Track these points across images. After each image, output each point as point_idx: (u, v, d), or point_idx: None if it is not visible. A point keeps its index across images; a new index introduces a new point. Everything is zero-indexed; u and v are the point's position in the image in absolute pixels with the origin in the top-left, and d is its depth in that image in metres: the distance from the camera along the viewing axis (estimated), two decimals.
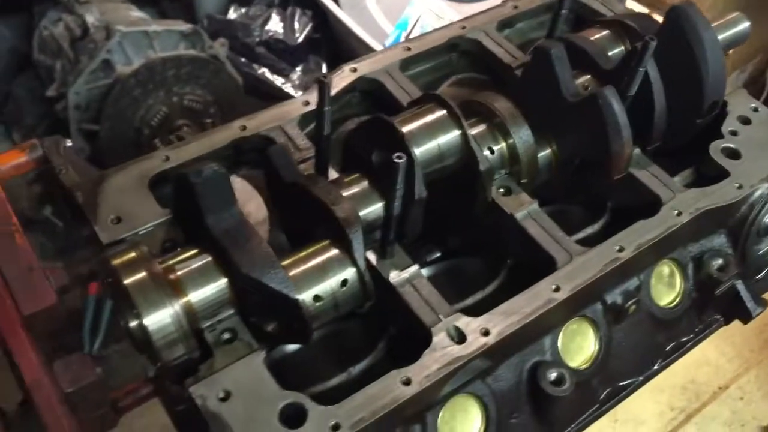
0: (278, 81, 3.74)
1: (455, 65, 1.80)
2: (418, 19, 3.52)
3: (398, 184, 1.19)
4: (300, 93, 2.56)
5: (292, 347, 1.38)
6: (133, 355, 1.65)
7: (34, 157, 1.45)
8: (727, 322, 1.61)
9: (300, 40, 3.83)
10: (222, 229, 1.19)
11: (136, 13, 3.33)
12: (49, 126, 3.22)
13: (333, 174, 1.44)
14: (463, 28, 1.75)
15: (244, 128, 1.49)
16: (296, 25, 3.88)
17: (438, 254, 1.60)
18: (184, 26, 3.15)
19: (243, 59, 3.73)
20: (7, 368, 1.54)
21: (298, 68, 3.87)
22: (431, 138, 1.36)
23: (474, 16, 1.81)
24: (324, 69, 3.78)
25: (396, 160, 1.15)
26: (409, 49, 1.70)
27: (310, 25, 3.87)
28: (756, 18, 3.56)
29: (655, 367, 1.53)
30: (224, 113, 3.23)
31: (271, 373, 1.19)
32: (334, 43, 3.86)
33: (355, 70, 1.63)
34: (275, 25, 3.83)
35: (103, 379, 1.45)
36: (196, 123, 3.16)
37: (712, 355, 3.66)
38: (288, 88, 3.64)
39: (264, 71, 3.78)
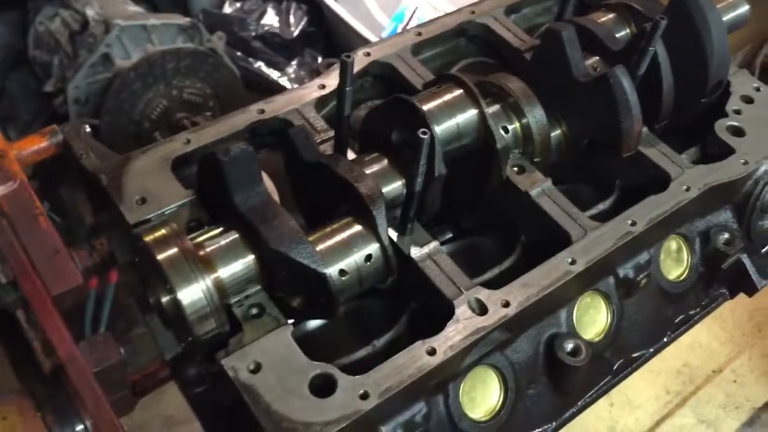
0: (274, 75, 3.76)
1: (463, 50, 1.83)
2: (414, 11, 3.55)
3: (422, 159, 1.22)
4: (296, 87, 2.58)
5: (315, 324, 1.40)
6: (144, 344, 1.67)
7: (54, 142, 1.47)
8: (733, 295, 1.66)
9: (296, 33, 3.85)
10: (249, 206, 1.21)
11: (133, 8, 3.33)
12: (45, 122, 3.21)
13: (351, 155, 1.47)
14: (473, 13, 1.79)
15: (262, 111, 1.51)
16: (292, 19, 3.89)
17: (450, 235, 1.63)
18: (183, 20, 3.16)
19: (239, 53, 3.74)
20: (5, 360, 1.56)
21: (294, 62, 3.89)
22: (450, 116, 1.39)
23: (482, 2, 1.85)
24: (320, 62, 3.80)
25: (421, 135, 1.18)
26: (420, 34, 1.73)
27: (305, 19, 3.88)
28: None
29: (665, 339, 1.57)
30: (223, 106, 3.24)
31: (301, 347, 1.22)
32: (330, 36, 3.88)
33: (368, 54, 1.66)
34: (271, 19, 3.85)
35: (126, 360, 1.47)
36: (195, 116, 3.17)
37: (705, 339, 3.72)
38: (284, 81, 3.66)
39: (260, 65, 3.79)
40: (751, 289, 1.59)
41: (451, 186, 1.51)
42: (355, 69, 1.64)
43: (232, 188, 1.21)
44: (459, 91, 1.41)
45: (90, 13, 2.98)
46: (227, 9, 3.83)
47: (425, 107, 1.36)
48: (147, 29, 3.06)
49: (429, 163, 1.30)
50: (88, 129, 1.50)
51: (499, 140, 1.39)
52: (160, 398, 2.41)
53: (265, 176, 1.44)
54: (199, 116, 3.03)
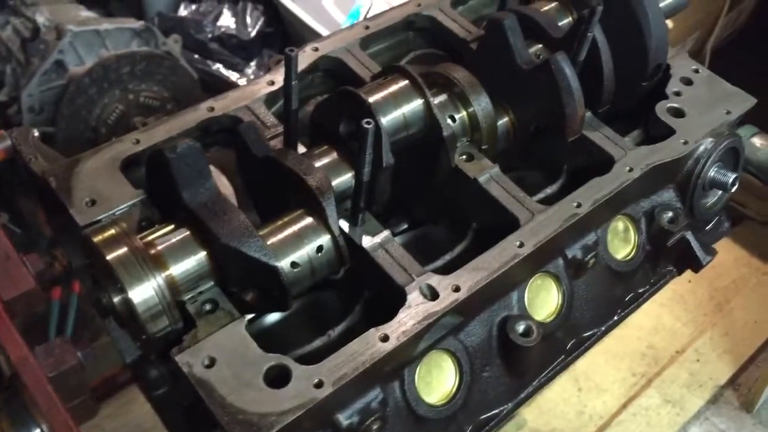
0: (233, 76, 3.75)
1: (412, 42, 1.86)
2: (369, 9, 3.57)
3: (368, 149, 1.24)
4: (245, 83, 2.58)
5: (272, 319, 1.42)
6: (105, 350, 1.67)
7: (2, 148, 1.46)
8: (680, 272, 1.71)
9: (253, 34, 3.84)
10: (199, 203, 1.22)
11: (86, 13, 3.31)
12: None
13: (301, 149, 1.49)
14: (419, 5, 1.81)
15: (211, 109, 1.52)
16: (248, 20, 3.89)
17: (405, 226, 1.66)
18: (136, 23, 3.14)
19: (196, 56, 3.72)
20: None
21: (253, 63, 3.88)
22: (396, 107, 1.41)
23: None
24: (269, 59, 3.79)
25: (365, 125, 1.20)
26: (367, 27, 1.75)
27: (262, 19, 3.88)
28: None
29: (615, 318, 1.61)
30: (182, 109, 3.22)
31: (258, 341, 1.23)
32: (287, 36, 3.88)
33: (317, 49, 1.68)
34: (227, 20, 3.83)
35: (84, 364, 1.47)
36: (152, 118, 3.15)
37: (668, 320, 3.80)
38: (243, 82, 3.64)
39: (218, 67, 3.77)
40: (696, 265, 1.65)
41: (402, 176, 1.54)
42: (304, 64, 1.67)
43: (181, 185, 1.22)
44: (405, 82, 1.43)
45: (40, 19, 2.94)
46: (182, 12, 3.81)
47: (371, 99, 1.38)
48: (100, 34, 3.04)
49: (376, 154, 1.32)
50: (36, 134, 1.50)
51: (445, 129, 1.42)
52: (128, 406, 2.39)
53: (219, 173, 1.45)
54: (153, 117, 3.01)
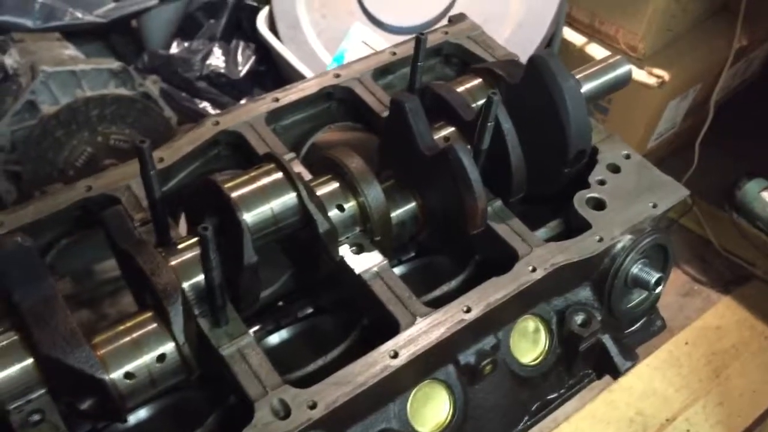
0: None
1: (334, 113, 1.76)
2: (351, 53, 3.51)
3: (210, 254, 1.15)
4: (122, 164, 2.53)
5: (134, 421, 1.33)
6: None
7: None
8: (599, 376, 1.56)
9: (243, 73, 3.82)
10: (27, 306, 1.14)
11: (69, 51, 3.30)
12: None
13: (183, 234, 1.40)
14: (338, 76, 1.72)
15: (89, 188, 1.45)
16: (239, 59, 3.87)
17: (310, 310, 1.56)
18: (114, 64, 3.12)
19: (183, 94, 3.71)
20: None
21: (243, 101, 3.84)
22: (264, 201, 1.31)
23: (351, 64, 1.78)
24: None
25: (201, 232, 1.11)
26: (277, 99, 1.66)
27: (253, 58, 3.86)
28: (693, 45, 3.55)
29: (520, 427, 1.47)
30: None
31: None
32: (279, 75, 3.84)
33: (217, 123, 1.60)
34: (216, 59, 3.83)
35: None
36: (124, 162, 3.12)
37: (660, 385, 3.61)
38: None
39: (205, 105, 3.75)
40: (614, 372, 1.50)
41: (294, 263, 1.44)
42: (205, 138, 1.59)
43: (10, 285, 1.14)
44: (277, 175, 1.33)
45: (8, 61, 2.94)
46: (174, 49, 3.81)
47: (236, 193, 1.28)
48: (76, 75, 3.02)
49: (236, 252, 1.23)
50: None
51: (321, 225, 1.32)
52: None
53: None
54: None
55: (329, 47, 3.69)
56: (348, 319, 1.47)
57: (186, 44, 3.84)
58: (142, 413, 1.31)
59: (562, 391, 1.53)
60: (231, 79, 3.77)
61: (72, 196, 1.43)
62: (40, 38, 3.42)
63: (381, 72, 1.77)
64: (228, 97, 3.76)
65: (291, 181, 1.31)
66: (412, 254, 1.66)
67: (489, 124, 1.37)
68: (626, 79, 1.72)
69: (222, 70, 3.79)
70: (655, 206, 1.51)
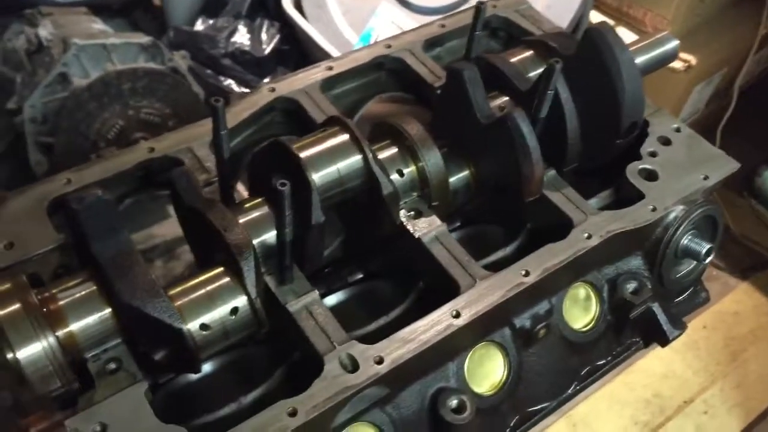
0: (245, 92, 3.74)
1: (384, 84, 1.78)
2: (380, 32, 3.52)
3: (285, 210, 1.17)
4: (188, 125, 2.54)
5: (194, 376, 1.35)
6: None
7: None
8: (646, 344, 1.59)
9: (267, 51, 3.83)
10: (107, 257, 1.17)
11: (98, 26, 3.32)
12: (11, 139, 3.20)
13: (245, 196, 1.43)
14: (389, 46, 1.74)
15: (152, 150, 1.47)
16: (264, 37, 3.88)
17: (360, 275, 1.58)
18: (144, 39, 3.14)
19: (208, 71, 3.72)
20: None
21: (266, 79, 3.86)
22: (331, 163, 1.34)
23: (402, 35, 1.80)
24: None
25: (279, 188, 1.13)
26: (331, 68, 1.68)
27: (278, 37, 3.86)
28: (720, 29, 3.56)
29: (570, 391, 1.50)
30: (184, 125, 3.21)
31: (170, 403, 1.17)
32: (303, 54, 3.85)
33: (273, 89, 1.62)
34: (242, 36, 3.83)
35: (8, 406, 1.42)
36: (154, 136, 3.14)
37: (679, 367, 3.65)
38: None
39: (230, 83, 3.76)
40: (662, 340, 1.53)
41: (350, 227, 1.47)
42: (261, 104, 1.61)
43: (89, 237, 1.17)
44: (343, 136, 1.36)
45: (43, 33, 2.96)
46: (199, 26, 3.82)
47: (304, 153, 1.31)
48: (107, 48, 3.03)
49: (304, 212, 1.25)
50: None
51: (384, 186, 1.34)
52: None
53: None
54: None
55: (355, 26, 3.70)
56: (402, 283, 1.49)
57: (211, 21, 3.85)
58: (206, 367, 1.33)
59: (610, 358, 1.56)
60: (255, 57, 3.77)
61: (136, 157, 1.45)
62: (68, 12, 3.43)
63: (430, 44, 1.79)
64: (252, 75, 3.78)
65: (357, 143, 1.34)
66: (458, 224, 1.68)
67: (549, 92, 1.39)
68: (674, 55, 1.74)
69: (247, 48, 3.79)
70: (706, 178, 1.53)
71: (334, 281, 1.56)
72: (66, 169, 1.41)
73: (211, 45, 3.75)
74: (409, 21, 3.54)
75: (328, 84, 1.67)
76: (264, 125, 1.65)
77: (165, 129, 3.15)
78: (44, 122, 2.98)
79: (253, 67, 3.79)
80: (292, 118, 1.65)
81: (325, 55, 3.43)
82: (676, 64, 3.36)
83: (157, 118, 3.12)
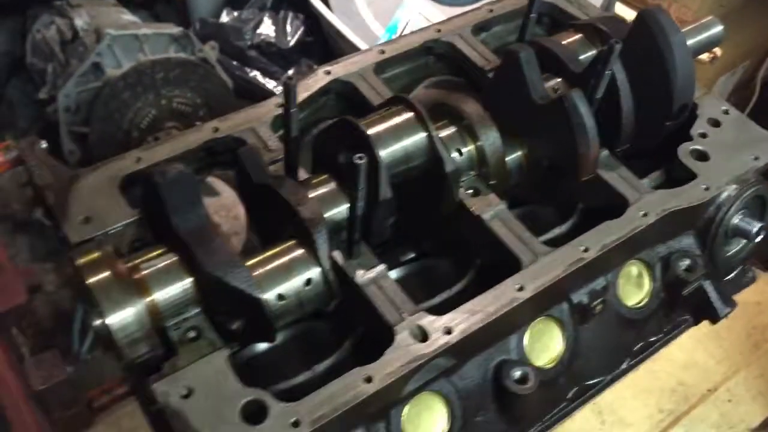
0: (270, 84, 3.77)
1: (432, 68, 1.82)
2: (407, 23, 3.54)
3: (360, 184, 1.21)
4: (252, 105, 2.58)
5: (264, 347, 1.39)
6: (106, 361, 1.67)
7: (9, 158, 1.47)
8: (696, 322, 1.62)
9: (292, 43, 3.85)
10: (187, 229, 1.20)
11: (127, 17, 3.35)
12: (41, 129, 3.24)
13: (304, 175, 1.46)
14: (439, 31, 1.77)
15: (216, 130, 1.51)
16: (288, 29, 3.91)
17: (412, 255, 1.62)
18: (174, 29, 3.17)
19: (234, 62, 3.75)
20: None
21: (290, 71, 3.89)
22: (397, 140, 1.37)
23: (450, 20, 1.84)
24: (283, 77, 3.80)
25: (357, 161, 1.17)
26: (383, 52, 1.71)
27: (302, 29, 3.89)
28: (744, 21, 3.59)
29: (623, 367, 1.54)
30: (214, 116, 3.24)
31: (241, 371, 1.21)
32: (327, 46, 3.88)
33: (329, 72, 1.65)
34: (267, 28, 3.86)
35: (75, 378, 1.46)
36: (185, 126, 3.18)
37: (701, 357, 3.66)
38: (280, 90, 3.66)
39: (255, 74, 3.80)
40: (713, 317, 1.56)
41: (407, 207, 1.50)
42: (316, 87, 1.64)
43: (170, 210, 1.20)
44: (408, 114, 1.39)
45: (79, 22, 2.99)
46: (224, 18, 3.85)
47: (371, 130, 1.34)
48: (139, 39, 3.07)
49: (372, 187, 1.29)
50: (44, 145, 1.50)
51: (448, 163, 1.38)
52: (125, 414, 2.41)
53: (232, 192, 1.43)
54: (189, 125, 3.03)
55: (380, 17, 3.72)
56: (458, 261, 1.53)
57: (236, 13, 3.88)
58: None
59: (661, 335, 1.59)
60: (280, 49, 3.80)
61: (201, 137, 1.49)
62: (97, 3, 3.46)
63: (477, 29, 1.82)
64: (277, 67, 3.81)
65: (422, 121, 1.37)
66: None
67: (607, 72, 1.42)
68: (719, 39, 1.77)
69: (272, 40, 3.82)
70: (756, 159, 1.56)
71: (386, 261, 1.59)
72: (100, 158, 1.45)
73: (237, 37, 3.78)
74: (436, 12, 3.57)
75: (380, 68, 1.70)
76: (318, 108, 1.68)
77: (196, 119, 3.19)
78: (77, 112, 3.02)
79: (278, 59, 3.82)
80: (346, 100, 1.69)
81: (350, 47, 3.46)
82: (703, 56, 3.38)
83: (188, 108, 3.15)
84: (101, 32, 3.03)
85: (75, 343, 2.06)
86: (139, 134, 3.07)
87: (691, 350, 3.65)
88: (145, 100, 3.04)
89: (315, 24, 3.82)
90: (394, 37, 3.54)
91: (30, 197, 1.71)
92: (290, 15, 3.89)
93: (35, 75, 3.28)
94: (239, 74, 3.67)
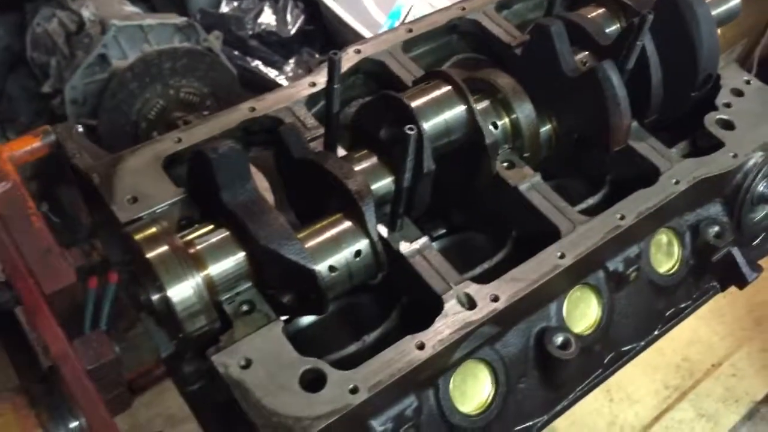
0: (272, 73, 3.77)
1: (455, 46, 1.84)
2: (410, 9, 3.56)
3: (409, 155, 1.23)
4: (286, 84, 2.58)
5: (308, 321, 1.42)
6: (141, 342, 1.68)
7: (47, 143, 1.48)
8: (723, 288, 1.66)
9: (293, 32, 3.86)
10: (238, 204, 1.22)
11: (129, 8, 3.35)
12: (44, 123, 3.23)
13: (341, 152, 1.48)
14: (463, 9, 1.79)
15: (253, 109, 1.52)
16: (289, 18, 3.91)
17: (443, 230, 1.64)
18: (179, 19, 3.17)
19: (236, 52, 3.75)
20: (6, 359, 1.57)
21: (291, 60, 3.89)
22: (438, 113, 1.40)
23: None
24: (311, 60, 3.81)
25: (408, 131, 1.19)
26: (410, 30, 1.73)
27: (302, 17, 3.90)
28: (744, 1, 3.62)
29: (656, 332, 1.58)
30: (220, 106, 3.25)
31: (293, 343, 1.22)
32: (327, 34, 3.89)
33: (359, 51, 1.67)
34: (268, 17, 3.86)
35: (121, 357, 1.48)
36: (192, 115, 3.18)
37: (705, 333, 3.73)
38: (281, 80, 3.67)
39: (257, 64, 3.80)
40: (741, 282, 1.60)
41: (442, 181, 1.52)
42: (346, 66, 1.66)
43: (221, 185, 1.22)
44: (447, 88, 1.42)
45: (86, 14, 2.99)
46: (224, 8, 3.84)
47: (413, 104, 1.37)
48: (143, 29, 3.07)
49: (417, 160, 1.31)
50: (80, 129, 1.51)
51: (487, 136, 1.40)
52: (162, 396, 2.43)
53: (260, 176, 1.45)
54: (194, 115, 3.04)
55: (381, 4, 3.73)
56: (494, 233, 1.56)
57: (236, 3, 3.88)
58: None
59: (690, 301, 1.63)
60: (281, 38, 3.81)
61: (239, 116, 1.50)
62: None
63: (500, 6, 1.84)
64: (278, 56, 3.82)
65: (462, 94, 1.40)
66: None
67: (638, 43, 1.45)
68: (737, 12, 1.81)
69: (273, 29, 3.82)
70: None
71: None
72: (109, 149, 1.46)
73: (239, 26, 3.78)
74: None
75: (407, 46, 1.72)
76: (347, 87, 1.70)
77: (203, 108, 3.19)
78: (84, 103, 3.02)
79: (279, 47, 3.83)
80: (375, 79, 1.70)
81: (352, 34, 3.47)
82: None
83: (195, 98, 3.16)
84: (106, 23, 3.02)
85: (87, 329, 2.07)
86: (147, 125, 3.08)
87: (695, 327, 3.72)
88: (152, 91, 3.04)
89: (315, 12, 3.82)
90: (396, 23, 3.56)
91: (35, 191, 1.72)
92: (290, 3, 3.89)
93: (36, 69, 3.27)
94: (241, 64, 3.67)
